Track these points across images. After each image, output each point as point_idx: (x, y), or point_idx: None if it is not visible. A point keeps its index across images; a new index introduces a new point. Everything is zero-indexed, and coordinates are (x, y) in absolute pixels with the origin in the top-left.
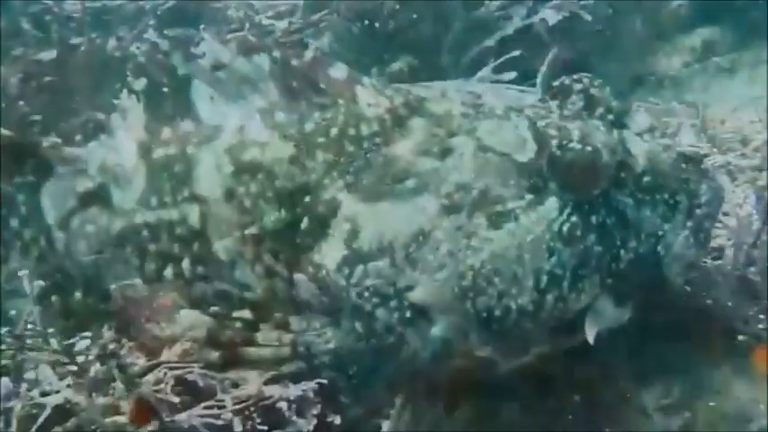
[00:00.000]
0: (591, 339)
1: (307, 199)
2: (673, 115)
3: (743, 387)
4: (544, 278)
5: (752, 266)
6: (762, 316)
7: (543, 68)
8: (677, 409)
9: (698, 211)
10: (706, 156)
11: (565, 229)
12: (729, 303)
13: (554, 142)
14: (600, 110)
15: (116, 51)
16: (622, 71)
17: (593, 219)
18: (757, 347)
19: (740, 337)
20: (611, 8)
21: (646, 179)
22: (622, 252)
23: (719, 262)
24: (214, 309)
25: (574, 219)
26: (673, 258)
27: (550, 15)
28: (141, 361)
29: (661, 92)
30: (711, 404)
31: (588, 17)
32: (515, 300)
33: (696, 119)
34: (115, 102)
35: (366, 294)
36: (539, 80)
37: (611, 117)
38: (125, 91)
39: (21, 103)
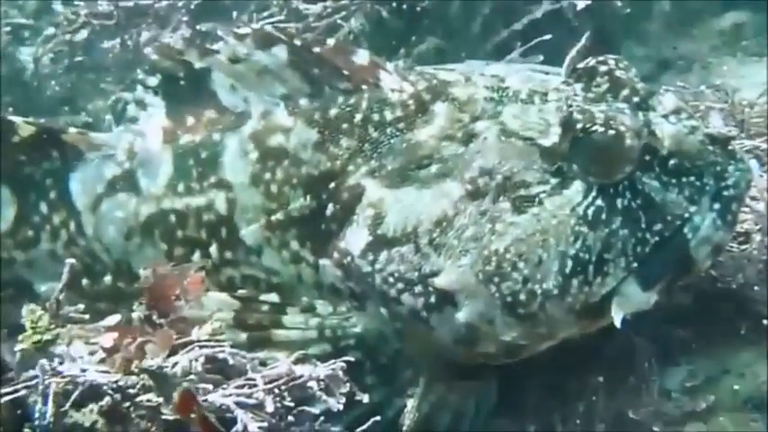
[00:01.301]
0: (618, 323)
1: (332, 185)
2: (701, 99)
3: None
4: (569, 262)
5: None
6: None
7: (572, 53)
8: (701, 392)
9: (725, 194)
10: (733, 137)
11: (590, 212)
12: (756, 288)
13: (578, 126)
14: (625, 92)
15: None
16: (650, 55)
17: (619, 202)
18: None
19: (765, 321)
20: None
21: (672, 162)
22: (648, 235)
23: (746, 246)
24: (241, 291)
25: (599, 202)
26: (700, 241)
27: None
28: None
29: (689, 76)
30: (735, 387)
31: (618, 1)
32: (540, 284)
33: (725, 103)
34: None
35: (391, 280)
36: (565, 64)
37: (636, 99)
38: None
39: (52, 83)
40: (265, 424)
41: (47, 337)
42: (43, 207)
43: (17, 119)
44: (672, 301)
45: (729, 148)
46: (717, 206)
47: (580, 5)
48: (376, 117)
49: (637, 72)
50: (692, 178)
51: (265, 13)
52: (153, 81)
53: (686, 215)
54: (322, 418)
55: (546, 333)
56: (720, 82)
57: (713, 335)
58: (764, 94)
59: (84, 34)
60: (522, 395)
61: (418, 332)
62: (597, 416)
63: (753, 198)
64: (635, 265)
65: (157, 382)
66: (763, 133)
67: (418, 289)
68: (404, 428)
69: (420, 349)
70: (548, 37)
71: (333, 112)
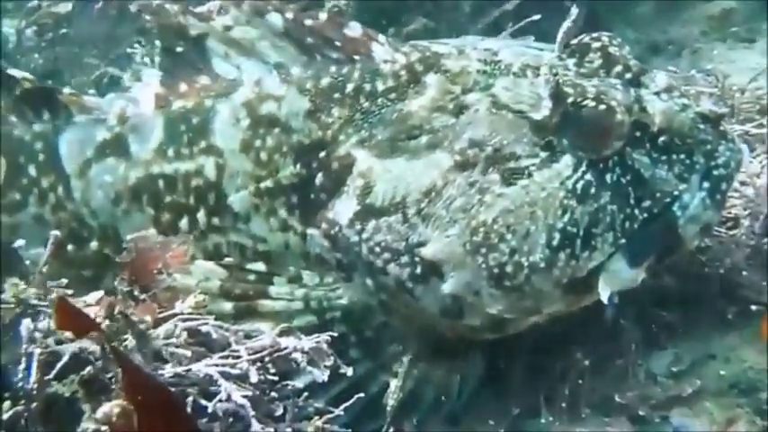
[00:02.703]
0: (605, 299)
1: (322, 154)
2: (691, 84)
3: (754, 356)
4: (557, 235)
5: (767, 236)
6: None
7: (566, 23)
8: (687, 376)
9: (715, 173)
10: (724, 114)
11: (579, 186)
12: (743, 273)
13: (569, 100)
14: (618, 68)
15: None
16: (640, 39)
17: (608, 177)
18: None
19: (753, 307)
20: None
21: (662, 138)
22: (636, 211)
23: (734, 231)
24: (228, 260)
25: (588, 177)
26: (688, 219)
27: None
28: (149, 318)
29: (679, 61)
30: (721, 372)
31: None
32: (527, 256)
33: (715, 88)
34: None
35: (377, 250)
36: (559, 37)
37: (628, 76)
38: (139, 52)
39: (35, 56)
40: (249, 393)
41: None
42: (32, 170)
43: (18, 72)
44: (659, 284)
45: (721, 127)
46: (706, 185)
47: None
48: (368, 87)
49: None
50: (683, 156)
51: None
52: (151, 49)
53: (675, 193)
54: (306, 393)
55: (532, 307)
56: (711, 67)
57: (700, 319)
58: (754, 79)
59: (68, 6)
60: (507, 377)
61: (404, 304)
62: (582, 399)
63: (742, 183)
64: (623, 240)
65: (138, 339)
66: (753, 118)
67: (405, 259)
68: (387, 408)
69: (406, 323)
70: (538, 17)
71: (325, 81)
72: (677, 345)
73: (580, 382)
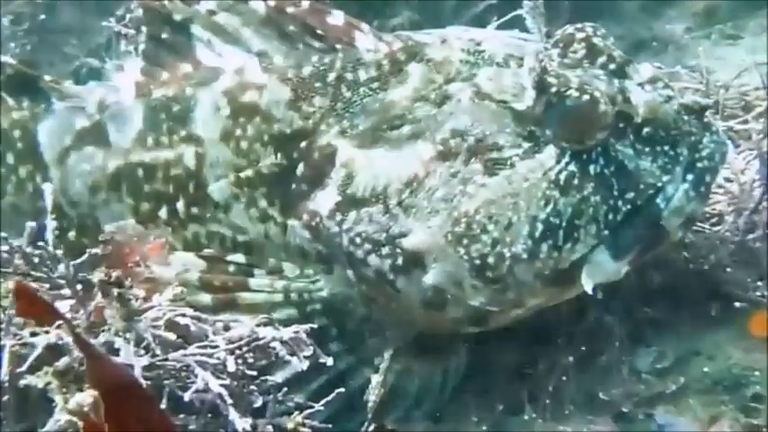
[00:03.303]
0: (589, 289)
1: (303, 144)
2: (676, 80)
3: (738, 353)
4: (539, 226)
5: (752, 233)
6: (760, 282)
7: (537, 3)
8: (671, 373)
9: (699, 165)
10: (708, 106)
11: (562, 177)
12: (728, 269)
13: (552, 90)
14: (602, 59)
15: None
16: (626, 35)
17: (591, 168)
18: (754, 314)
19: (737, 304)
20: None
21: (646, 130)
22: (620, 203)
23: (719, 228)
24: (208, 251)
25: (571, 168)
26: (672, 211)
27: None
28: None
29: (664, 57)
30: (705, 369)
31: None
32: (509, 247)
33: (699, 84)
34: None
35: (358, 240)
36: (530, 19)
37: (612, 67)
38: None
39: (12, 45)
40: (227, 381)
41: (5, 303)
42: (9, 158)
43: (3, 58)
44: (643, 281)
45: (705, 119)
46: (690, 177)
47: None
48: (350, 76)
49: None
50: (666, 147)
51: None
52: (138, 36)
53: (659, 184)
54: (286, 388)
55: (514, 299)
56: (695, 63)
57: (684, 316)
58: (739, 75)
59: None
60: (492, 374)
61: (385, 296)
62: (567, 396)
63: (727, 179)
64: (606, 232)
65: (124, 306)
66: (737, 115)
67: (386, 250)
68: (369, 404)
69: (387, 316)
70: (521, 12)
71: (307, 70)
72: (661, 342)
73: (564, 379)
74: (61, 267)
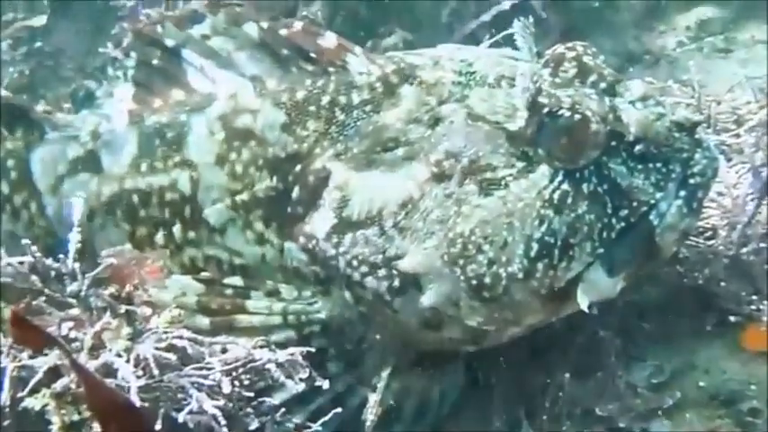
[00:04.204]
0: (584, 307)
1: (298, 167)
2: (668, 94)
3: (734, 367)
4: (534, 246)
5: (745, 246)
6: (754, 296)
7: (528, 23)
8: (667, 388)
9: (691, 181)
10: (700, 122)
11: (555, 196)
12: (722, 283)
13: (544, 110)
14: (592, 78)
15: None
16: (617, 49)
17: (585, 187)
18: (748, 327)
19: (731, 318)
20: None
21: (638, 147)
22: (614, 221)
23: (712, 242)
24: (205, 274)
25: (565, 187)
26: (666, 228)
27: None
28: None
29: (656, 70)
30: (701, 383)
31: None
32: (505, 267)
33: (691, 98)
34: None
35: (355, 263)
36: (521, 39)
37: (603, 85)
38: (114, 65)
39: (10, 69)
40: (221, 403)
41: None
42: (4, 187)
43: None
44: (638, 296)
45: (696, 136)
46: (683, 193)
47: None
48: (343, 99)
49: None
50: (659, 164)
51: None
52: (128, 62)
53: (652, 201)
54: (284, 409)
55: (511, 318)
56: (687, 77)
57: (679, 330)
58: (731, 89)
59: (43, 20)
60: (489, 390)
61: (383, 316)
62: (563, 411)
63: (719, 193)
64: (601, 250)
65: (132, 325)
66: (729, 129)
67: (382, 272)
68: (366, 423)
69: (385, 335)
70: (513, 30)
71: (300, 94)
72: (657, 356)
73: (560, 394)
74: (74, 284)
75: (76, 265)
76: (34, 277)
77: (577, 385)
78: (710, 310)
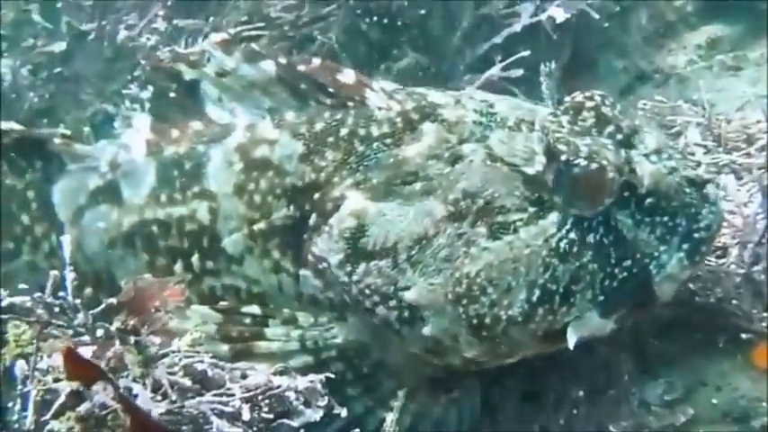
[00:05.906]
0: (571, 346)
1: (316, 196)
2: (679, 114)
3: (745, 384)
4: (537, 291)
5: (756, 265)
6: (765, 314)
7: (551, 69)
8: (680, 405)
9: (696, 235)
10: (710, 181)
11: (562, 245)
12: (733, 301)
13: (562, 157)
14: (610, 128)
15: (127, 42)
16: (628, 68)
17: (591, 237)
18: (760, 345)
19: (743, 335)
20: (617, 5)
21: (648, 200)
22: (616, 271)
23: (724, 260)
24: (223, 303)
25: (571, 235)
26: (664, 278)
27: (558, 13)
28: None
29: (666, 89)
30: (714, 401)
31: (596, 15)
32: (506, 310)
33: (702, 117)
34: (122, 106)
35: (367, 292)
36: (545, 84)
37: (620, 137)
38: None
39: (31, 94)
40: (241, 431)
41: (28, 350)
42: (25, 218)
43: (7, 124)
44: (651, 314)
45: (705, 191)
46: (686, 246)
47: (559, 19)
48: (362, 132)
49: (615, 86)
50: (666, 218)
51: (240, 19)
52: (145, 95)
53: (655, 253)
54: (302, 430)
55: (506, 352)
56: (697, 96)
57: (691, 348)
58: (741, 108)
59: (62, 46)
60: (502, 408)
61: (392, 342)
62: (578, 428)
63: (730, 212)
64: (601, 298)
65: (142, 353)
66: (739, 147)
67: (393, 303)
68: None
69: (401, 359)
70: (526, 53)
71: (319, 125)
72: (670, 374)
73: (575, 412)
74: (80, 316)
75: (77, 300)
76: (41, 311)
77: (591, 402)
78: (722, 327)
